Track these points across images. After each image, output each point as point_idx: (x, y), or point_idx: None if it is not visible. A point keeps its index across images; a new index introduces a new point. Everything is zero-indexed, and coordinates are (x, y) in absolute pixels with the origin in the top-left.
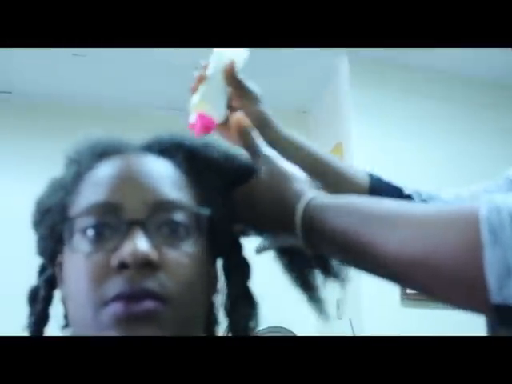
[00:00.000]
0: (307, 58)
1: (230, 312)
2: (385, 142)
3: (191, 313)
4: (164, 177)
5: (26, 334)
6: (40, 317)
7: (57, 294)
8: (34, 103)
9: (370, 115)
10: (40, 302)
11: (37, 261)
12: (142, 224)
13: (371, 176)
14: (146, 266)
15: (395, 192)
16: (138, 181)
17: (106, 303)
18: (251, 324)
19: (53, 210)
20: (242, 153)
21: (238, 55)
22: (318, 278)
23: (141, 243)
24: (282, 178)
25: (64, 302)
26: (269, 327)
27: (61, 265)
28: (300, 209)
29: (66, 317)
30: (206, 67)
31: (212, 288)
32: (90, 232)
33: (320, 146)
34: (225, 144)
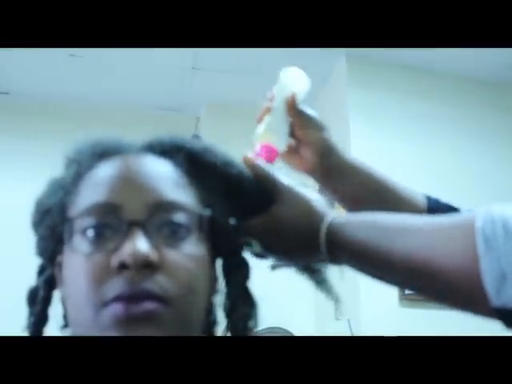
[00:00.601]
0: (305, 59)
1: (230, 312)
2: (382, 143)
3: (191, 313)
4: (164, 177)
5: (25, 334)
6: (39, 317)
7: (56, 295)
8: (31, 104)
9: (368, 116)
10: (39, 302)
11: (36, 261)
12: (142, 224)
13: (429, 197)
14: (146, 266)
15: (453, 212)
16: (138, 181)
17: (105, 304)
18: (250, 324)
19: (52, 211)
20: (239, 163)
21: (300, 87)
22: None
23: (141, 244)
24: (303, 202)
25: (63, 302)
26: (267, 328)
27: (60, 265)
28: (324, 227)
29: (65, 317)
30: (271, 99)
31: (212, 288)
32: (90, 232)
33: None
34: (222, 150)
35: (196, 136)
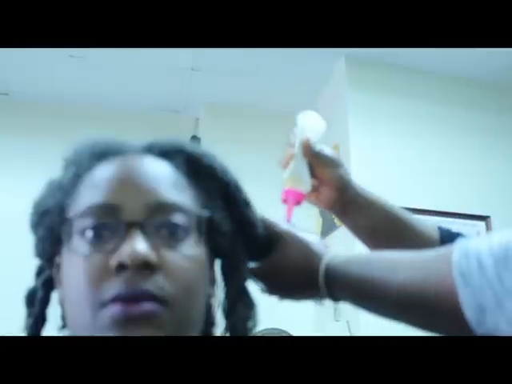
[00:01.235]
0: (304, 60)
1: (228, 313)
2: (382, 143)
3: (189, 314)
4: (163, 178)
5: (23, 335)
6: (38, 318)
7: (54, 296)
8: (30, 105)
9: (367, 117)
10: (38, 303)
11: (35, 262)
12: (140, 225)
13: (440, 228)
14: (145, 267)
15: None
16: (137, 182)
17: (104, 305)
18: (249, 325)
19: (51, 212)
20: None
21: (317, 129)
22: None
23: (139, 245)
24: (302, 244)
25: (62, 303)
26: (266, 329)
27: (59, 266)
28: (322, 266)
29: (63, 318)
30: (293, 144)
31: (210, 290)
32: (89, 233)
33: None
34: (219, 159)
35: (195, 137)
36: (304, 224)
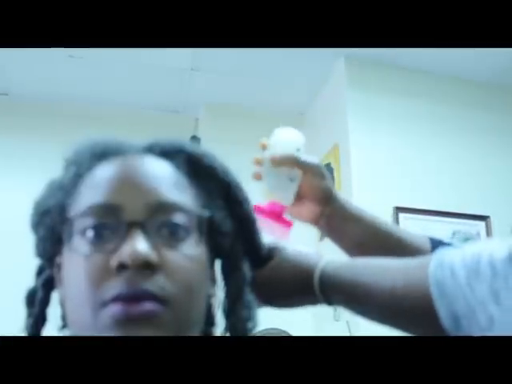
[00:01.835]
0: (304, 60)
1: (228, 314)
2: (381, 144)
3: (190, 314)
4: (164, 178)
5: (24, 335)
6: (38, 318)
7: (55, 296)
8: (30, 105)
9: (367, 117)
10: (38, 303)
11: (35, 262)
12: (141, 225)
13: (432, 239)
14: (146, 267)
15: None
16: (138, 182)
17: (105, 304)
18: (249, 326)
19: (52, 211)
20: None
21: (292, 142)
22: None
23: (140, 244)
24: (297, 254)
25: (62, 303)
26: (266, 329)
27: (59, 266)
28: (317, 273)
29: (63, 318)
30: (260, 162)
31: (211, 290)
32: (90, 233)
33: (316, 148)
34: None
35: (195, 137)
36: (303, 228)
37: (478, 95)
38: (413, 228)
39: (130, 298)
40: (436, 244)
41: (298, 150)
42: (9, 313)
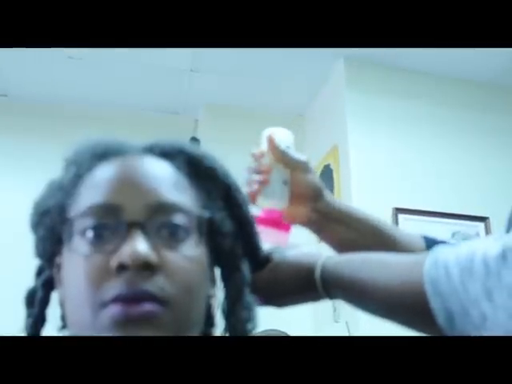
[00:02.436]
0: (303, 61)
1: (228, 314)
2: (381, 145)
3: (190, 315)
4: (164, 178)
5: (23, 335)
6: (37, 318)
7: (54, 296)
8: (29, 106)
9: (366, 118)
10: (37, 303)
11: (35, 262)
12: (141, 226)
13: (426, 238)
14: (146, 268)
15: None
16: (138, 182)
17: (104, 305)
18: (249, 327)
19: (52, 212)
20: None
21: (283, 139)
22: None
23: (140, 245)
24: (298, 252)
25: (62, 303)
26: (265, 330)
27: (59, 266)
28: (318, 267)
29: (63, 318)
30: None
31: (210, 290)
32: (90, 233)
33: (316, 149)
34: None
35: (194, 138)
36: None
37: (478, 96)
38: (412, 229)
39: (130, 298)
40: (430, 242)
41: (288, 147)
42: (8, 313)
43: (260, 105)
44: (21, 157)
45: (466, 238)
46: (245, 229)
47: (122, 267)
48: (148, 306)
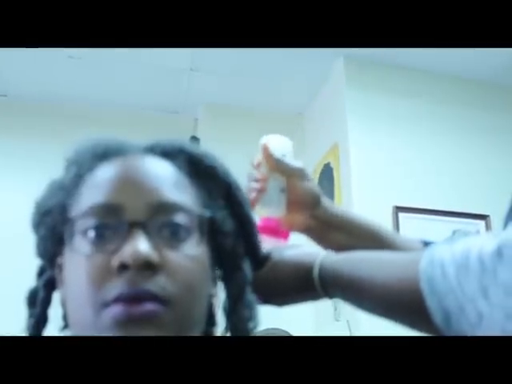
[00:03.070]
0: (303, 60)
1: (229, 314)
2: (381, 143)
3: (191, 314)
4: (165, 178)
5: (25, 335)
6: (39, 318)
7: (56, 296)
8: (29, 106)
9: (366, 116)
10: (39, 303)
11: (36, 262)
12: (142, 225)
13: (425, 242)
14: (147, 267)
15: None
16: (139, 182)
17: (106, 305)
18: (250, 326)
19: (53, 211)
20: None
21: (281, 147)
22: None
23: (142, 245)
24: (296, 250)
25: (63, 303)
26: (267, 329)
27: (61, 266)
28: (317, 266)
29: (64, 318)
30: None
31: (212, 289)
32: (91, 233)
33: (316, 148)
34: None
35: (194, 137)
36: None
37: (478, 94)
38: (412, 227)
39: (132, 298)
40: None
41: (284, 156)
42: (10, 313)
43: (260, 104)
44: (20, 157)
45: (467, 235)
46: (245, 228)
47: (123, 267)
48: (149, 306)
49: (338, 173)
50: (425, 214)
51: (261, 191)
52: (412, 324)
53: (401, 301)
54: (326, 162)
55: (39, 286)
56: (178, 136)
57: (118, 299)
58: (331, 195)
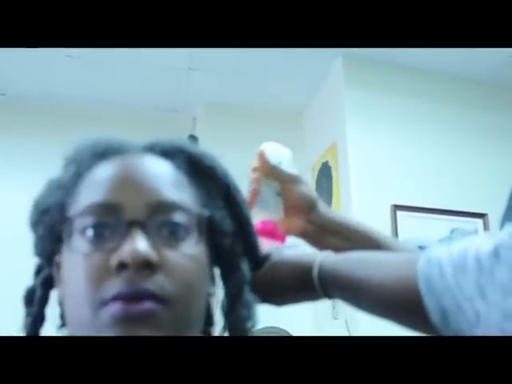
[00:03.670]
0: (302, 59)
1: (228, 313)
2: (379, 142)
3: (190, 314)
4: (164, 177)
5: (22, 334)
6: (36, 317)
7: (53, 295)
8: (28, 105)
9: (365, 116)
10: (36, 302)
11: (34, 261)
12: (141, 224)
13: (422, 247)
14: (146, 266)
15: None
16: (138, 181)
17: (104, 303)
18: (248, 325)
19: (51, 210)
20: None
21: (278, 155)
22: None
23: (140, 243)
24: (295, 251)
25: (61, 302)
26: (265, 327)
27: (59, 265)
28: (316, 267)
29: (62, 317)
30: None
31: (210, 289)
32: (90, 232)
33: (315, 147)
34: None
35: (193, 136)
36: None
37: (477, 94)
38: (411, 226)
39: (130, 297)
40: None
41: (280, 163)
42: (7, 312)
43: (259, 103)
44: (19, 156)
45: (465, 234)
46: (244, 228)
47: (122, 266)
48: (148, 305)
49: (337, 171)
50: (423, 212)
51: (255, 193)
52: (410, 324)
53: (398, 300)
54: (324, 160)
55: (36, 285)
56: (176, 135)
57: (116, 298)
58: (330, 194)
